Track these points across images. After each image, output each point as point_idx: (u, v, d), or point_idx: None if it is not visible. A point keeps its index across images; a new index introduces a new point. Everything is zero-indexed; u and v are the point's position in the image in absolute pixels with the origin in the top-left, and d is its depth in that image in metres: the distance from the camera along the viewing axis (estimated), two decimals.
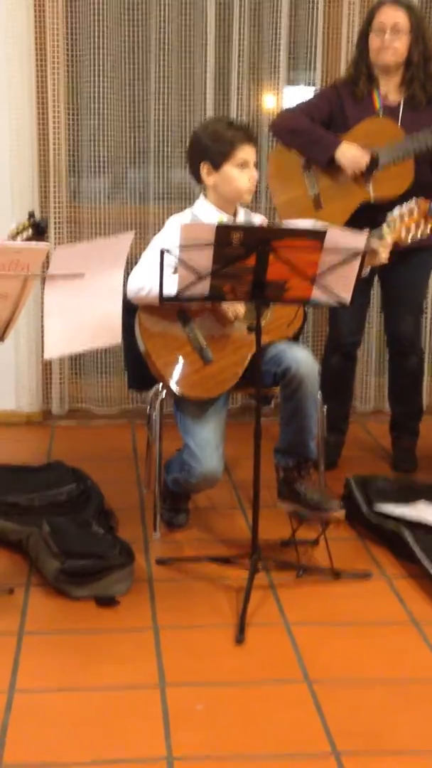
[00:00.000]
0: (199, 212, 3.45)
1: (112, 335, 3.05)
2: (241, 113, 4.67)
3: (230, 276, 2.99)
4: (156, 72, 4.64)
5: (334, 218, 3.88)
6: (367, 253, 3.18)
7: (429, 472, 4.18)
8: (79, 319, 2.93)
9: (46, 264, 2.79)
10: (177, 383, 3.34)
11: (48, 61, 4.60)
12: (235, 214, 3.48)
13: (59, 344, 2.99)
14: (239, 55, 4.64)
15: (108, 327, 3.02)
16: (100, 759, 2.34)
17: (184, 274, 2.99)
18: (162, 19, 4.59)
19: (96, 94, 4.63)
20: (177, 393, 3.35)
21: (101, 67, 4.60)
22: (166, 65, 4.64)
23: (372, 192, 3.93)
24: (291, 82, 4.79)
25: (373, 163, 3.89)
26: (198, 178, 3.46)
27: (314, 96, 4.19)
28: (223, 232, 2.89)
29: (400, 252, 3.49)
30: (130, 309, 3.32)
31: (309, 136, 3.98)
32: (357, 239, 2.99)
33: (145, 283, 3.30)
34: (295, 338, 3.52)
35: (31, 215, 3.20)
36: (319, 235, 2.93)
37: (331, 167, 3.97)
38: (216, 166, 3.38)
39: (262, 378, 3.20)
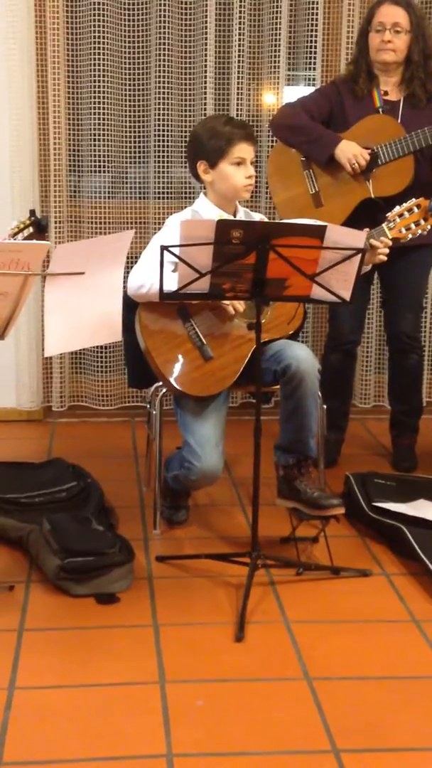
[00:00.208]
0: (200, 210, 3.46)
1: (112, 333, 3.05)
2: (240, 112, 4.67)
3: (230, 274, 2.99)
4: (156, 70, 4.64)
5: (334, 216, 3.89)
6: (367, 251, 3.19)
7: (429, 470, 4.19)
8: (80, 316, 2.93)
9: (47, 262, 2.80)
10: (177, 380, 3.34)
11: (48, 59, 4.61)
12: (235, 213, 3.48)
13: (59, 342, 3.00)
14: (239, 54, 4.64)
15: (108, 324, 3.02)
16: (100, 756, 2.35)
17: (183, 271, 2.99)
18: (162, 17, 4.60)
19: (96, 92, 4.64)
20: (177, 390, 3.35)
21: (101, 65, 4.61)
22: (166, 63, 4.64)
23: (372, 189, 3.93)
24: (290, 80, 4.79)
25: (373, 161, 3.89)
26: (197, 176, 3.46)
27: (314, 92, 4.18)
28: (223, 228, 2.89)
29: (400, 249, 3.50)
30: (130, 306, 3.32)
31: (309, 133, 3.98)
32: (357, 237, 2.99)
33: (145, 280, 3.30)
34: (295, 336, 3.52)
35: (32, 213, 3.20)
36: (319, 233, 2.94)
37: (331, 165, 3.97)
38: (212, 164, 3.38)
39: (262, 376, 3.20)
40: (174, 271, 3.05)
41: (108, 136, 4.70)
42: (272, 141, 4.55)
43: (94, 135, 4.69)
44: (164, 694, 2.60)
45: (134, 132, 4.78)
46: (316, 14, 4.66)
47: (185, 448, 3.38)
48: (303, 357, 3.35)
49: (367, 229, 3.28)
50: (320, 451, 3.67)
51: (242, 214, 3.50)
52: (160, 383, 3.50)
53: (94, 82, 4.63)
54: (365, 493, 3.72)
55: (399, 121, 3.94)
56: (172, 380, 3.34)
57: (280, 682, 2.68)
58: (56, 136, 4.69)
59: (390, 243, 3.33)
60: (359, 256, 2.97)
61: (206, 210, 3.44)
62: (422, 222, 3.38)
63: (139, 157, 4.82)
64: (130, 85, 4.73)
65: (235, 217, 3.46)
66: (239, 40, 4.63)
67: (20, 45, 4.52)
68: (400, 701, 2.60)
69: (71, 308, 2.90)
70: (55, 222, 4.73)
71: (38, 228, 3.17)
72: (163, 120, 4.70)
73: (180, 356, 3.36)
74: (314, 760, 2.35)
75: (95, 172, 4.76)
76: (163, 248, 2.97)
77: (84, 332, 3.00)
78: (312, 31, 4.67)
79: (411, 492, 3.76)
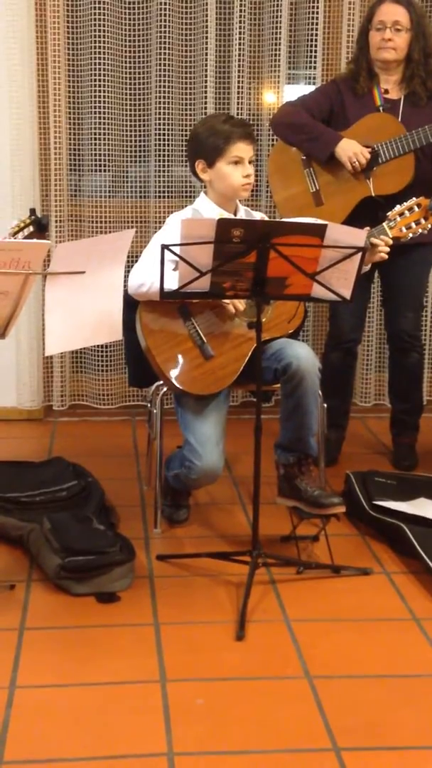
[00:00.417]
0: (200, 209, 3.46)
1: (113, 332, 3.05)
2: (241, 110, 4.67)
3: (231, 272, 2.99)
4: (157, 68, 4.64)
5: (335, 214, 3.89)
6: (368, 250, 3.19)
7: (429, 469, 4.19)
8: (80, 315, 2.93)
9: (47, 261, 2.80)
10: (177, 379, 3.34)
11: (49, 57, 4.60)
12: (235, 212, 3.48)
13: (60, 341, 3.00)
14: (239, 52, 4.64)
15: (108, 324, 3.03)
16: (101, 754, 2.35)
17: (184, 270, 2.99)
18: (163, 15, 4.60)
19: (96, 91, 4.64)
20: (177, 389, 3.35)
21: (102, 64, 4.61)
22: (166, 61, 4.64)
23: (372, 188, 3.93)
24: (291, 79, 4.79)
25: (374, 159, 3.89)
26: (196, 175, 3.47)
27: (315, 91, 4.18)
28: (223, 226, 2.89)
29: (400, 247, 3.50)
30: (130, 305, 3.32)
31: (309, 132, 3.98)
32: (357, 236, 2.99)
33: (146, 278, 3.30)
34: (296, 335, 3.52)
35: (33, 212, 3.20)
36: (319, 232, 2.94)
37: (332, 163, 3.97)
38: (210, 163, 3.38)
39: (262, 374, 3.20)
40: (175, 269, 3.05)
41: (108, 134, 4.70)
42: (273, 139, 4.55)
43: (95, 134, 4.69)
44: (165, 692, 2.60)
45: (135, 131, 4.78)
46: (317, 12, 4.65)
47: (186, 446, 3.38)
48: (303, 355, 3.34)
49: (368, 228, 3.28)
50: (321, 449, 3.67)
51: (243, 213, 3.50)
52: (161, 382, 3.50)
53: (95, 80, 4.62)
54: (366, 491, 3.72)
55: (399, 119, 3.94)
56: (172, 379, 3.34)
57: (280, 680, 2.69)
58: (57, 135, 4.68)
59: (391, 242, 3.33)
60: (360, 254, 2.97)
61: (207, 209, 3.44)
62: (423, 221, 3.38)
63: (140, 156, 4.82)
64: (130, 83, 4.73)
65: (235, 215, 3.46)
66: (240, 38, 4.63)
67: (21, 44, 4.52)
68: (401, 699, 2.60)
69: (72, 307, 2.90)
70: (56, 221, 4.73)
71: (39, 227, 3.17)
72: (164, 119, 4.70)
73: (180, 355, 3.36)
74: (315, 759, 2.35)
75: (96, 170, 4.76)
76: (164, 247, 2.97)
77: (84, 331, 3.00)
78: (312, 29, 4.66)
79: (411, 490, 3.76)
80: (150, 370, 3.41)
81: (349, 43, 4.60)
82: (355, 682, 2.67)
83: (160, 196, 4.78)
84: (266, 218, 3.71)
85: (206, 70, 4.65)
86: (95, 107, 4.65)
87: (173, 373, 3.35)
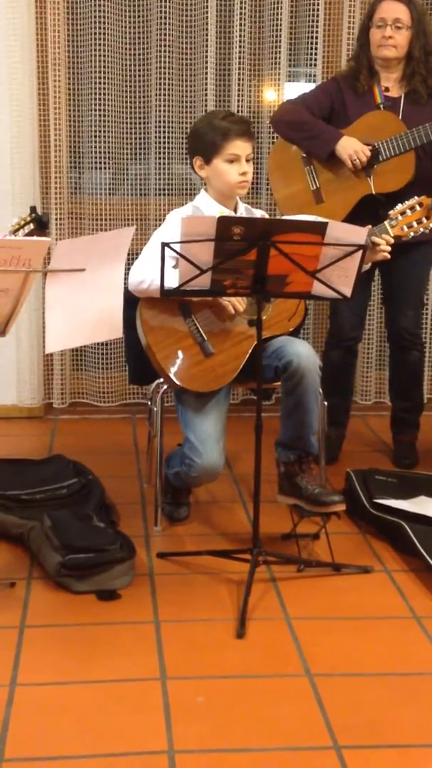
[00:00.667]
0: (200, 206, 3.46)
1: (113, 330, 3.05)
2: (241, 108, 4.67)
3: (231, 270, 2.99)
4: (157, 66, 4.64)
5: (335, 212, 3.89)
6: (369, 249, 3.19)
7: (430, 467, 4.19)
8: (80, 313, 2.93)
9: (47, 259, 2.79)
10: (177, 376, 3.34)
11: (49, 56, 4.60)
12: (235, 209, 3.48)
13: (60, 339, 3.00)
14: (240, 50, 4.64)
15: (109, 321, 3.02)
16: (102, 752, 2.35)
17: (184, 268, 2.99)
18: (163, 13, 4.60)
19: (97, 89, 4.63)
20: (177, 386, 3.35)
21: (102, 62, 4.61)
22: (167, 59, 4.64)
23: (373, 186, 3.93)
24: (291, 77, 4.79)
25: (374, 157, 3.89)
26: (196, 172, 3.47)
27: (315, 89, 4.18)
28: (223, 224, 2.89)
29: (400, 246, 3.49)
30: (131, 303, 3.32)
31: (309, 129, 3.98)
32: (358, 233, 2.99)
33: (146, 275, 3.30)
34: (296, 333, 3.52)
35: (33, 210, 3.20)
36: (320, 229, 2.93)
37: (332, 161, 3.97)
38: (207, 160, 3.38)
39: (263, 372, 3.20)
40: (175, 267, 3.05)
41: (109, 132, 4.70)
42: (273, 137, 4.55)
43: (95, 131, 4.69)
44: (165, 690, 2.60)
45: (135, 128, 4.78)
46: (317, 10, 4.65)
47: (186, 444, 3.38)
48: (304, 353, 3.34)
49: (369, 226, 3.28)
50: (321, 447, 3.67)
51: (243, 211, 3.50)
52: (161, 380, 3.50)
53: (95, 78, 4.62)
54: (366, 489, 3.72)
55: (400, 117, 3.93)
56: (172, 376, 3.34)
57: (281, 678, 2.69)
58: (57, 133, 4.68)
59: (392, 241, 3.32)
60: (360, 252, 2.97)
61: (207, 206, 3.44)
62: (424, 220, 3.37)
63: (140, 154, 4.82)
64: (130, 81, 4.73)
65: (235, 213, 3.46)
66: (240, 36, 4.63)
67: (21, 42, 4.52)
68: (402, 697, 2.60)
69: (72, 305, 2.90)
70: (56, 218, 4.73)
71: (39, 225, 3.17)
72: (164, 116, 4.70)
73: (181, 352, 3.36)
74: (315, 757, 2.35)
75: (96, 168, 4.76)
76: (164, 245, 2.97)
77: (85, 329, 3.00)
78: (313, 27, 4.66)
79: (412, 489, 3.76)
80: (150, 367, 3.41)
81: (350, 40, 4.60)
82: (356, 680, 2.67)
83: (160, 194, 4.78)
84: (267, 216, 3.70)
85: (206, 68, 4.65)
86: (95, 105, 4.65)
87: (173, 370, 3.34)
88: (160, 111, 4.69)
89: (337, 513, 3.40)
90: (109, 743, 2.38)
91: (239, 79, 4.67)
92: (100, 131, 4.68)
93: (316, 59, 4.69)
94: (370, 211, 3.83)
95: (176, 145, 4.74)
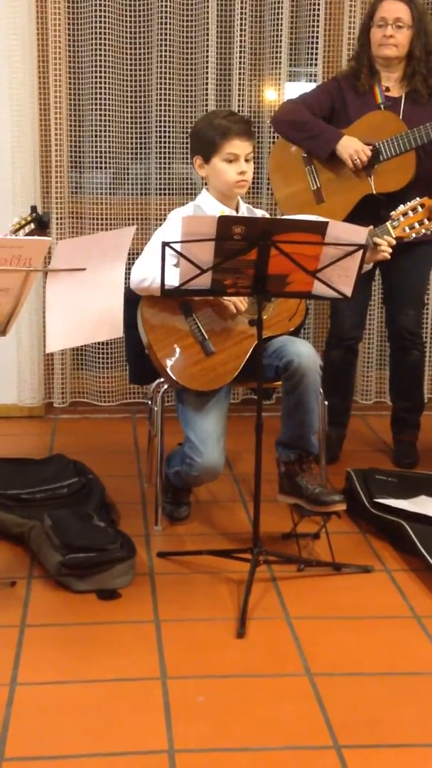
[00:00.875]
0: (202, 205, 3.46)
1: (113, 329, 3.05)
2: (242, 108, 4.67)
3: (232, 270, 2.99)
4: (157, 65, 4.64)
5: (336, 212, 3.89)
6: (370, 249, 3.19)
7: (430, 466, 4.19)
8: (81, 313, 2.93)
9: (48, 258, 2.80)
10: (178, 375, 3.34)
11: (50, 55, 4.60)
12: (237, 208, 3.48)
13: (61, 338, 3.00)
14: (240, 50, 4.64)
15: (109, 321, 3.03)
16: (102, 751, 2.35)
17: (185, 267, 2.99)
18: (164, 13, 4.60)
19: (97, 88, 4.63)
20: (177, 384, 3.35)
21: (103, 61, 4.61)
22: (167, 59, 4.64)
23: (374, 185, 3.93)
24: (292, 76, 4.79)
25: (375, 157, 3.89)
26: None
27: (316, 88, 4.18)
28: (224, 224, 2.89)
29: (401, 245, 3.49)
30: (131, 302, 3.32)
31: (310, 129, 3.98)
32: (358, 233, 2.99)
33: (147, 273, 3.30)
34: (296, 333, 3.52)
35: (34, 209, 3.20)
36: (320, 229, 2.93)
37: (333, 161, 3.97)
38: (206, 159, 3.38)
39: (263, 372, 3.20)
40: (176, 265, 3.05)
41: (109, 132, 4.70)
42: (274, 137, 4.55)
43: (96, 131, 4.69)
44: (166, 689, 2.60)
45: (136, 128, 4.78)
46: (318, 10, 4.65)
47: (186, 443, 3.38)
48: (305, 353, 3.34)
49: (371, 227, 3.28)
50: (321, 447, 3.67)
51: (244, 210, 3.50)
52: (162, 379, 3.50)
53: (96, 78, 4.62)
54: (366, 489, 3.72)
55: (401, 117, 3.93)
56: (173, 374, 3.34)
57: (281, 678, 2.69)
58: (57, 132, 4.68)
59: (394, 242, 3.32)
60: (361, 252, 2.97)
61: (208, 205, 3.44)
62: (426, 221, 3.37)
63: (141, 153, 4.82)
64: (131, 81, 4.73)
65: (237, 212, 3.46)
66: (241, 35, 4.63)
67: (21, 41, 4.52)
68: (402, 697, 2.60)
69: (72, 304, 2.90)
70: (57, 218, 4.73)
71: (40, 224, 3.17)
72: (165, 116, 4.70)
73: (181, 351, 3.36)
74: (316, 756, 2.35)
75: (96, 167, 4.76)
76: (165, 244, 2.97)
77: (85, 328, 3.00)
78: (313, 26, 4.66)
79: (412, 488, 3.76)
80: (151, 367, 3.41)
81: (351, 40, 4.60)
82: (356, 680, 2.68)
83: (160, 193, 4.78)
84: (268, 216, 3.70)
85: (207, 68, 4.65)
86: (96, 104, 4.65)
87: (174, 369, 3.34)
88: (160, 110, 4.69)
89: (337, 512, 3.40)
90: (109, 742, 2.38)
91: (240, 79, 4.67)
92: (100, 131, 4.68)
93: (316, 59, 4.69)
94: (370, 210, 3.83)
95: (177, 144, 4.74)
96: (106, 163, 4.74)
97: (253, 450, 3.12)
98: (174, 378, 3.34)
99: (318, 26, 4.66)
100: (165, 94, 4.68)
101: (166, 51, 4.63)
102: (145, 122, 4.76)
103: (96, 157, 4.73)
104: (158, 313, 3.38)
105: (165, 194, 4.78)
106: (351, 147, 3.89)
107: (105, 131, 4.69)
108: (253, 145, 3.42)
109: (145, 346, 3.38)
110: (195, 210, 3.45)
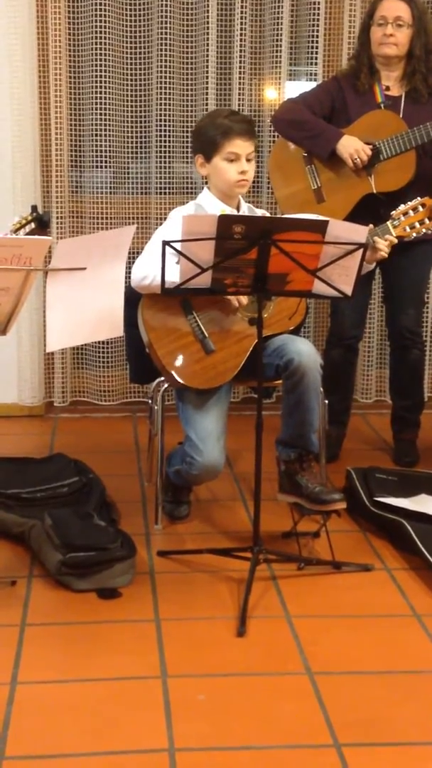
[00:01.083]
0: (203, 204, 3.46)
1: (114, 328, 3.05)
2: (242, 107, 4.67)
3: (232, 269, 2.99)
4: (158, 65, 4.64)
5: (336, 211, 3.88)
6: (370, 249, 3.19)
7: (430, 465, 4.19)
8: (81, 312, 2.93)
9: (48, 257, 2.80)
10: (178, 373, 3.34)
11: (50, 54, 4.60)
12: (238, 207, 3.48)
13: (61, 337, 3.00)
14: (240, 49, 4.64)
15: (109, 320, 3.03)
16: (102, 750, 2.35)
17: (185, 266, 2.99)
18: (164, 12, 4.59)
19: (98, 88, 4.63)
20: (178, 382, 3.35)
21: (103, 61, 4.60)
22: (167, 58, 4.64)
23: (374, 185, 3.93)
24: (292, 75, 4.79)
25: (375, 156, 3.89)
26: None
27: (316, 88, 4.18)
28: (224, 223, 2.89)
29: (402, 244, 3.49)
30: (132, 301, 3.32)
31: (310, 128, 3.98)
32: (358, 232, 2.99)
33: (148, 271, 3.30)
34: (297, 332, 3.52)
35: (34, 209, 3.20)
36: (320, 228, 2.94)
37: (333, 160, 3.97)
38: (207, 158, 3.38)
39: (263, 370, 3.21)
40: (177, 262, 3.05)
41: (110, 131, 4.70)
42: (274, 136, 4.55)
43: (96, 130, 4.69)
44: (166, 688, 2.60)
45: (136, 127, 4.78)
46: (318, 9, 4.65)
47: (187, 442, 3.38)
48: (305, 351, 3.35)
49: (371, 226, 3.28)
50: (322, 445, 3.67)
51: (245, 209, 3.50)
52: (162, 379, 3.50)
53: (96, 77, 4.62)
54: (366, 487, 3.72)
55: (401, 116, 3.93)
56: (173, 372, 3.34)
57: (281, 676, 2.69)
58: (58, 132, 4.68)
59: (395, 241, 3.33)
60: (361, 250, 2.97)
61: (210, 204, 3.44)
62: (427, 221, 3.37)
63: (141, 153, 4.82)
64: (131, 80, 4.73)
65: (238, 211, 3.46)
66: (241, 35, 4.63)
67: (22, 41, 4.52)
68: (402, 695, 2.60)
69: (73, 304, 2.90)
70: (57, 217, 4.73)
71: (40, 223, 3.17)
72: (165, 115, 4.70)
73: (182, 349, 3.36)
74: (316, 754, 2.35)
75: (97, 167, 4.76)
76: (165, 243, 2.97)
77: (85, 328, 3.00)
78: (314, 26, 4.66)
79: (412, 487, 3.76)
80: (151, 366, 3.41)
81: (351, 39, 4.60)
82: (356, 678, 2.68)
83: (161, 193, 4.78)
84: (268, 215, 3.71)
85: (207, 67, 4.65)
86: (96, 104, 4.65)
87: (174, 367, 3.35)
88: (161, 110, 4.69)
89: (337, 511, 3.40)
90: (109, 741, 2.38)
91: (240, 78, 4.67)
92: (101, 130, 4.68)
93: (316, 58, 4.69)
94: (371, 210, 3.83)
95: (177, 143, 4.74)
96: (106, 162, 4.75)
97: (253, 449, 3.12)
98: (174, 376, 3.34)
99: (318, 25, 4.66)
100: (165, 94, 4.67)
101: (166, 50, 4.63)
102: (145, 121, 4.76)
103: (96, 157, 4.73)
104: (158, 312, 3.38)
105: (165, 193, 4.78)
106: (351, 146, 3.89)
107: (105, 130, 4.69)
108: (255, 144, 3.42)
109: (146, 345, 3.38)
110: (196, 209, 3.45)
